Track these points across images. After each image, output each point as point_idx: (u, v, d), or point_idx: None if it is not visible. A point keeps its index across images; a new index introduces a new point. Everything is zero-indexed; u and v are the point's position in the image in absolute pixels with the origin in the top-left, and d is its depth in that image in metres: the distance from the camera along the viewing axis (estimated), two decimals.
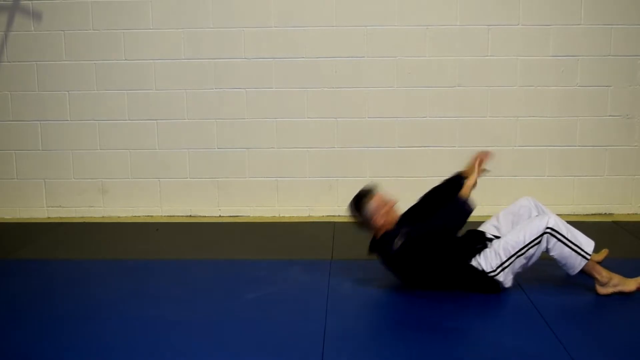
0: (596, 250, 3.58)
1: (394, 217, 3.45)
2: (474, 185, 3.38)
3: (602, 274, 3.29)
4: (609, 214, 4.93)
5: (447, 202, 3.36)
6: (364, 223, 3.46)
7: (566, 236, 3.21)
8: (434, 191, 3.63)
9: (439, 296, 3.40)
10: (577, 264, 3.23)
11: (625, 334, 2.95)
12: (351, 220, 3.52)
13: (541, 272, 3.48)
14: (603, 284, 3.29)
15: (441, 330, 3.02)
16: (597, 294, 3.30)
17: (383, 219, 3.40)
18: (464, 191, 3.36)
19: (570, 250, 3.21)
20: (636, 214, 4.92)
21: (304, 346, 2.84)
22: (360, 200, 3.45)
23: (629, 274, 3.39)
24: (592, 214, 4.91)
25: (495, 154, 3.60)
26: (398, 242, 3.26)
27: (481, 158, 3.51)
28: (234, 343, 2.88)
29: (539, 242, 3.22)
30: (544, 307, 3.18)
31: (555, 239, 3.21)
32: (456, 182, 3.53)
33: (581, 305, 3.25)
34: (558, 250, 3.22)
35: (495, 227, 3.55)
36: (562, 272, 3.53)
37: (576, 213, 4.88)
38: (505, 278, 3.29)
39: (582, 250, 3.22)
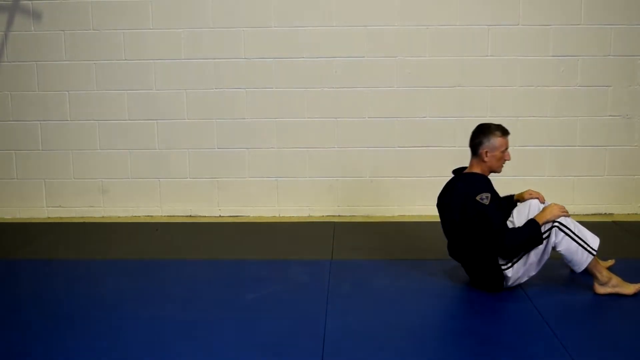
0: (603, 258, 3.59)
1: (497, 167, 3.43)
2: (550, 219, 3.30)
3: (603, 273, 3.30)
4: (609, 214, 4.93)
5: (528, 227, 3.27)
6: (476, 146, 3.42)
7: (573, 231, 3.24)
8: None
9: (439, 296, 3.41)
10: (583, 259, 3.24)
11: (625, 334, 2.95)
12: (471, 136, 3.46)
13: (542, 272, 3.47)
14: (602, 284, 3.30)
15: (441, 330, 3.02)
16: (595, 293, 3.31)
17: (489, 160, 3.38)
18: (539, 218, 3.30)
19: (577, 245, 3.23)
20: (636, 214, 4.92)
21: (304, 346, 2.84)
22: (494, 129, 3.40)
23: (629, 274, 3.40)
24: (592, 214, 4.91)
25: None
26: (484, 200, 3.25)
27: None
28: (234, 343, 2.88)
29: (548, 237, 3.23)
30: (544, 307, 3.19)
31: (562, 233, 3.22)
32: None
33: (581, 305, 3.25)
34: (565, 245, 3.23)
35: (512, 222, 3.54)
36: (562, 273, 3.54)
37: (576, 213, 4.87)
38: (514, 274, 3.29)
39: (589, 245, 3.24)
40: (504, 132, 3.41)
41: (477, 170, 3.43)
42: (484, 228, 3.25)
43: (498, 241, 3.22)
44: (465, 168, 3.52)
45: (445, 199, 3.47)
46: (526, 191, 3.57)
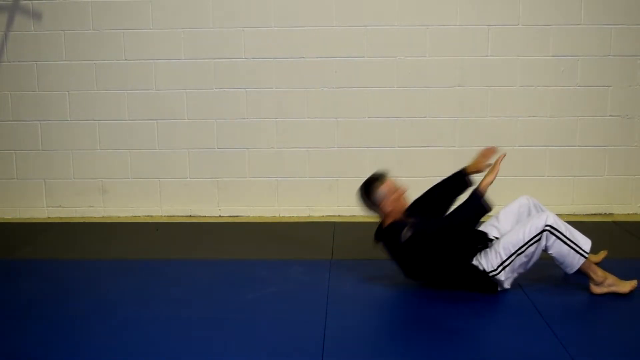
0: (595, 251, 3.60)
1: (403, 205, 3.44)
2: (491, 183, 3.32)
3: (598, 273, 3.30)
4: (609, 214, 4.93)
5: (466, 200, 3.31)
6: (372, 207, 3.45)
7: (565, 234, 3.22)
8: (441, 185, 3.62)
9: (439, 296, 3.40)
10: (575, 262, 3.24)
11: (624, 333, 2.95)
12: (359, 203, 3.49)
13: (541, 272, 3.48)
14: (598, 284, 3.30)
15: (441, 330, 3.02)
16: (591, 293, 3.31)
17: (392, 206, 3.39)
18: (482, 188, 3.29)
19: (569, 248, 3.22)
20: (636, 214, 4.92)
21: (304, 346, 2.84)
22: (371, 184, 3.44)
23: (629, 274, 3.40)
24: (592, 214, 4.91)
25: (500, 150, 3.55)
26: (407, 234, 3.25)
27: (490, 154, 3.50)
28: (234, 343, 2.88)
29: (539, 240, 3.22)
30: (544, 307, 3.19)
31: (554, 237, 3.21)
32: (462, 178, 3.55)
33: (581, 305, 3.25)
34: (557, 248, 3.23)
35: (495, 227, 3.55)
36: (562, 272, 3.53)
37: (576, 213, 4.88)
38: (506, 277, 3.29)
39: (580, 248, 3.23)
40: (381, 179, 3.43)
41: (389, 220, 3.42)
42: (431, 245, 3.25)
43: (448, 231, 3.24)
44: (381, 224, 3.49)
45: (397, 265, 3.45)
46: (477, 161, 3.54)
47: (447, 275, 3.38)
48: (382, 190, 3.41)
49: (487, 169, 3.41)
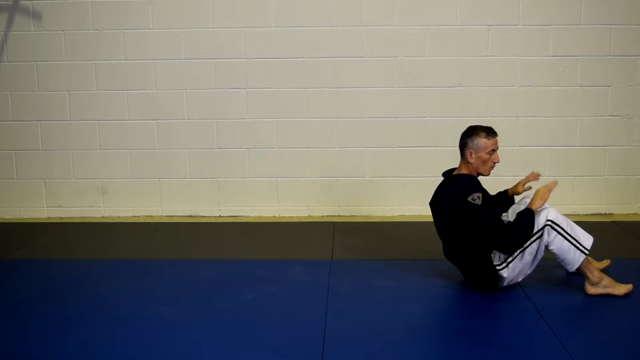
0: (600, 258, 3.61)
1: (484, 170, 3.38)
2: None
3: (595, 273, 3.30)
4: (609, 214, 4.93)
5: (522, 216, 3.27)
6: (462, 147, 3.39)
7: (566, 229, 3.23)
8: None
9: (439, 296, 3.41)
10: (575, 259, 3.24)
11: (624, 334, 2.95)
12: (460, 137, 3.42)
13: (541, 272, 3.48)
14: (593, 284, 3.30)
15: (442, 330, 3.03)
16: (586, 294, 3.31)
17: (476, 162, 3.35)
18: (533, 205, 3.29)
19: (570, 244, 3.23)
20: (636, 214, 4.92)
21: (304, 346, 2.84)
22: (480, 130, 3.36)
23: (629, 274, 3.41)
24: (592, 214, 4.91)
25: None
26: (476, 200, 3.22)
27: (532, 178, 3.58)
28: (234, 343, 2.88)
29: (541, 236, 3.23)
30: (544, 307, 3.19)
31: (555, 232, 3.22)
32: (507, 197, 3.62)
33: (581, 306, 3.26)
34: (557, 244, 3.23)
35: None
36: (561, 273, 3.54)
37: (576, 213, 4.88)
38: (509, 274, 3.30)
39: (581, 244, 3.24)
40: (490, 133, 3.36)
41: (465, 172, 3.41)
42: (480, 228, 3.25)
43: (499, 239, 3.22)
44: (454, 169, 3.50)
45: (437, 202, 3.45)
46: (519, 183, 3.59)
47: (466, 249, 3.35)
48: (481, 141, 3.34)
49: (526, 191, 3.54)
